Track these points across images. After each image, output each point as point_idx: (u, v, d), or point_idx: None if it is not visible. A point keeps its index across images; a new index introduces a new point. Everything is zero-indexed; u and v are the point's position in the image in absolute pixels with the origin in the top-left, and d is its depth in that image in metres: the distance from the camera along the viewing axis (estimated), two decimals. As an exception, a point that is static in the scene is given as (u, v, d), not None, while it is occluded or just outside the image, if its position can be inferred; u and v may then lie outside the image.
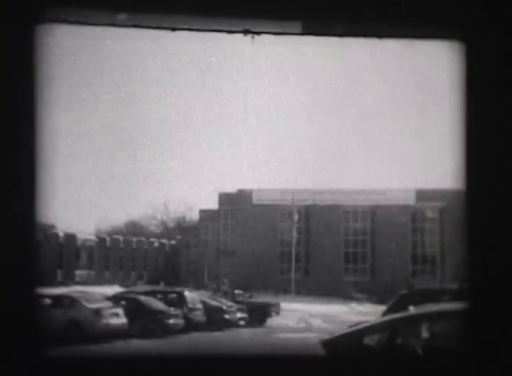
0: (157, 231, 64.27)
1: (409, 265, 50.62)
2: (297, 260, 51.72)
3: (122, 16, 3.01)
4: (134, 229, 62.30)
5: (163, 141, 72.45)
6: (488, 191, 3.09)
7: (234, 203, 54.33)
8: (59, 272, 48.27)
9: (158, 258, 57.29)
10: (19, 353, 2.80)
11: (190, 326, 28.21)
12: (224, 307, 31.60)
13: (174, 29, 3.19)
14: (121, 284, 46.62)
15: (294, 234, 51.83)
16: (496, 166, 3.12)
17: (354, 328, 10.80)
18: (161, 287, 41.82)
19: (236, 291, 38.65)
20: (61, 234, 49.86)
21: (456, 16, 3.05)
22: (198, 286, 47.26)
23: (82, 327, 24.23)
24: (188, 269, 55.69)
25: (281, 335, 28.10)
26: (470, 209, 3.10)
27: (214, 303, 31.99)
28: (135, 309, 26.74)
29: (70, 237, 50.57)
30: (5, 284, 2.83)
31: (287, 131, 70.33)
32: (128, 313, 25.97)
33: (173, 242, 58.71)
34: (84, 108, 62.14)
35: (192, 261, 55.36)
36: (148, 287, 37.84)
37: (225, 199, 54.92)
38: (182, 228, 59.76)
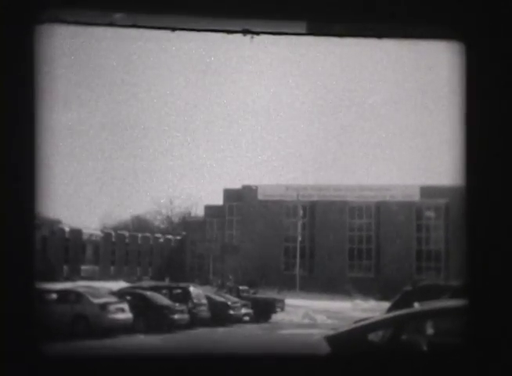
0: (162, 227, 64.37)
1: (413, 261, 50.56)
2: (302, 256, 51.71)
3: (122, 17, 3.02)
4: (139, 224, 62.42)
5: (167, 138, 72.69)
6: (488, 189, 3.10)
7: (239, 199, 54.35)
8: (65, 267, 48.41)
9: (163, 253, 57.37)
10: (19, 352, 2.81)
11: (195, 321, 28.26)
12: (229, 303, 31.65)
13: (173, 29, 3.19)
14: (127, 280, 46.72)
15: (299, 230, 51.82)
16: (496, 165, 3.12)
17: (358, 324, 10.80)
18: (166, 282, 41.90)
19: (241, 287, 38.70)
20: (67, 229, 49.98)
21: (456, 16, 3.04)
22: (203, 281, 47.32)
23: (88, 322, 24.32)
24: (193, 264, 55.76)
25: (285, 331, 28.12)
26: (470, 207, 3.10)
27: (219, 299, 32.03)
28: (140, 305, 26.81)
29: (76, 232, 50.67)
30: (5, 283, 2.84)
31: (289, 129, 70.30)
32: (133, 308, 26.04)
33: (178, 238, 58.78)
34: (85, 107, 62.32)
35: (198, 256, 55.41)
36: (153, 283, 37.94)
37: (231, 195, 54.94)
38: (187, 224, 59.80)
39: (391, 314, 11.88)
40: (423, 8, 3.02)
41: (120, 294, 27.88)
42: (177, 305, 28.16)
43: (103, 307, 25.03)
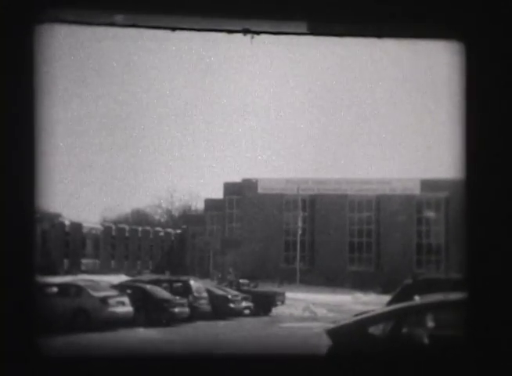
0: (163, 220, 64.41)
1: (413, 254, 50.60)
2: (302, 249, 51.76)
3: (122, 17, 3.02)
4: (139, 218, 62.45)
5: (167, 137, 72.83)
6: (487, 186, 3.11)
7: (239, 192, 54.36)
8: (65, 261, 48.48)
9: (164, 247, 57.43)
10: (19, 349, 2.82)
11: (195, 315, 28.32)
12: (229, 296, 31.70)
13: (173, 29, 3.19)
14: (127, 273, 46.78)
15: (299, 224, 51.85)
16: (496, 165, 3.13)
17: (359, 317, 10.82)
18: (167, 275, 41.94)
19: (241, 280, 38.75)
20: (67, 223, 50.02)
21: (456, 16, 3.04)
22: (203, 275, 47.39)
23: (88, 315, 24.39)
24: (193, 258, 55.82)
25: (286, 324, 28.18)
26: (469, 203, 3.12)
27: (220, 292, 32.09)
28: (140, 298, 26.86)
29: (76, 226, 50.70)
30: (5, 277, 2.85)
31: (289, 129, 70.24)
32: (133, 302, 26.10)
33: (178, 231, 58.82)
34: (85, 107, 62.34)
35: (198, 250, 55.46)
36: (153, 276, 37.98)
37: (231, 188, 54.94)
38: (188, 217, 59.84)
39: (392, 307, 11.90)
40: (423, 8, 3.02)
41: (121, 288, 27.93)
42: (177, 298, 28.21)
43: (104, 300, 25.09)
